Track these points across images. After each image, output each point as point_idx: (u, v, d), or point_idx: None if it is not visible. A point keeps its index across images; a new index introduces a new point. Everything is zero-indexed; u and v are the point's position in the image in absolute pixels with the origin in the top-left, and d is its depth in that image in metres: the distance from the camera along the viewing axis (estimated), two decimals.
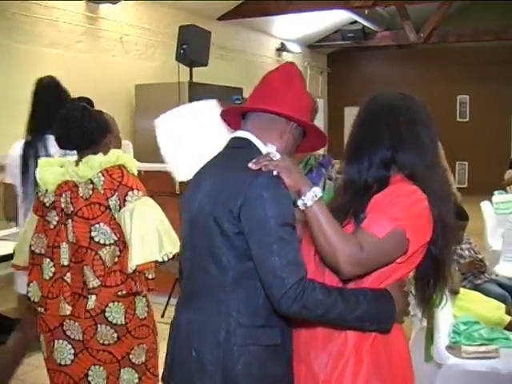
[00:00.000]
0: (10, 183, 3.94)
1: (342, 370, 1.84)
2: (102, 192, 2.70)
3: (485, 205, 6.74)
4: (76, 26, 8.02)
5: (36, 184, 2.94)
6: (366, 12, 12.22)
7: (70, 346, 2.79)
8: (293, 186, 1.81)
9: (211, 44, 7.65)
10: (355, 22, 13.21)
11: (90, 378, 2.80)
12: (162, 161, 6.64)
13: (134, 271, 2.68)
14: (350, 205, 1.93)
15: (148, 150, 7.17)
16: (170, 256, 2.70)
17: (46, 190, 2.85)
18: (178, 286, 5.66)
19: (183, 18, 8.22)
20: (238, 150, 2.00)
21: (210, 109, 2.63)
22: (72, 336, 2.78)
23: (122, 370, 2.83)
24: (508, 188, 7.78)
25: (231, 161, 1.98)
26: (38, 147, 3.81)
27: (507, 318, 4.20)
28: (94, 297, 2.70)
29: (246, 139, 2.00)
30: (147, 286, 2.86)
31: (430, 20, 12.30)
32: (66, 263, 2.74)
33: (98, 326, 2.74)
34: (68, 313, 2.73)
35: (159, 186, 5.25)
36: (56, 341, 2.82)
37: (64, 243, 2.74)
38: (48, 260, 2.80)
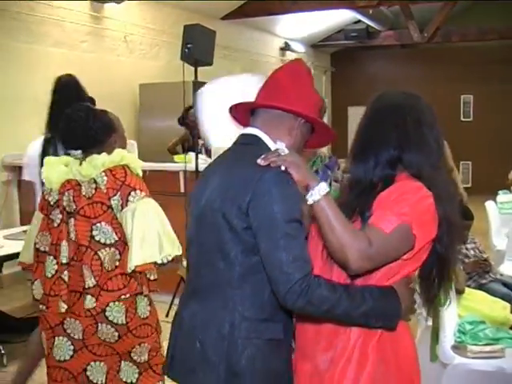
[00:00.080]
0: (30, 181, 3.96)
1: (344, 365, 1.85)
2: (105, 191, 2.71)
3: (489, 204, 6.73)
4: (80, 25, 8.05)
5: None
6: (370, 11, 12.21)
7: (69, 343, 2.80)
8: (301, 181, 1.82)
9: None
10: (359, 21, 13.20)
11: (88, 373, 2.82)
12: (166, 160, 6.66)
13: (134, 271, 2.69)
14: (355, 203, 1.93)
15: (152, 149, 7.22)
16: (170, 258, 2.71)
17: (51, 189, 2.86)
18: (182, 286, 5.67)
19: (187, 18, 8.22)
20: (247, 147, 2.01)
21: (255, 82, 2.60)
22: (72, 334, 2.79)
23: (122, 363, 2.84)
24: None
25: (240, 157, 1.99)
26: (57, 145, 3.81)
27: None
28: (89, 296, 2.71)
29: (255, 136, 2.02)
30: (148, 288, 2.87)
31: (434, 20, 12.29)
32: (64, 261, 2.75)
33: (99, 324, 2.75)
34: (63, 311, 2.74)
35: (164, 185, 5.26)
36: (56, 337, 2.84)
37: (64, 241, 2.76)
38: (51, 258, 2.81)
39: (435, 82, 13.95)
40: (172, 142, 7.66)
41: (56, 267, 2.79)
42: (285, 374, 1.97)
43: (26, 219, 6.69)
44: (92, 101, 3.76)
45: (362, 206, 1.90)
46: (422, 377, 2.03)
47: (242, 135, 2.07)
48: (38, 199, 3.84)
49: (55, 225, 2.83)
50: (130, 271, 2.68)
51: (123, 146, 3.09)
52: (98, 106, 4.23)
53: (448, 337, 3.50)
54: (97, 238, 2.72)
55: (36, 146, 3.87)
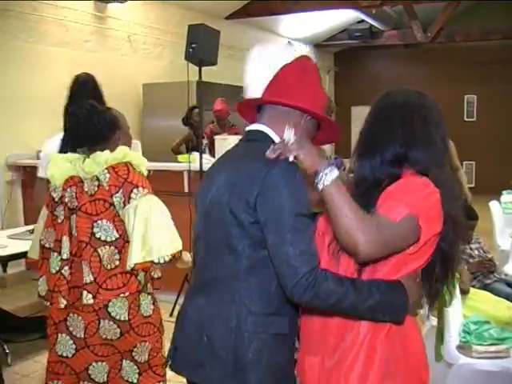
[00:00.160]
0: (44, 178, 4.00)
1: (353, 359, 1.85)
2: (107, 188, 2.72)
3: (493, 204, 6.72)
4: (84, 25, 8.07)
5: None
6: (374, 11, 12.20)
7: (71, 341, 2.82)
8: (310, 167, 1.80)
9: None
10: (362, 21, 13.19)
11: (90, 372, 2.83)
12: (169, 160, 6.67)
13: (133, 269, 2.70)
14: (361, 201, 1.92)
15: (156, 149, 7.22)
16: (167, 259, 2.71)
17: (56, 186, 2.88)
18: (186, 285, 5.67)
19: (191, 17, 8.22)
20: (253, 143, 2.04)
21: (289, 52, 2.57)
22: (74, 333, 2.80)
23: (123, 362, 2.85)
24: None
25: (246, 153, 2.02)
26: None
27: None
28: (85, 292, 2.71)
29: (261, 132, 2.04)
30: (152, 286, 2.88)
31: (438, 19, 12.27)
32: (65, 257, 2.76)
33: (101, 321, 2.76)
34: (62, 306, 2.75)
35: (167, 185, 5.26)
36: (59, 334, 2.85)
37: (65, 237, 2.77)
38: (56, 254, 2.82)
39: (438, 81, 13.92)
40: (176, 142, 7.67)
41: (60, 263, 2.80)
42: (287, 368, 1.99)
43: (30, 219, 6.72)
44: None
45: (368, 201, 1.89)
46: None
47: (249, 131, 2.10)
48: None
49: (59, 221, 2.84)
50: (129, 269, 2.69)
51: (128, 143, 3.09)
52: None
53: (453, 337, 3.50)
54: (97, 235, 2.73)
55: (54, 143, 3.86)
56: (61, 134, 3.83)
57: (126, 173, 2.74)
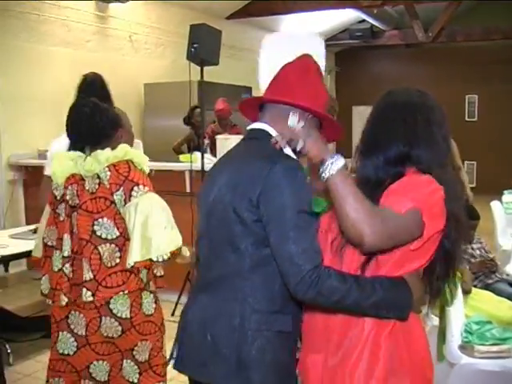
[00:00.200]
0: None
1: (358, 356, 1.85)
2: (108, 186, 2.73)
3: (495, 204, 6.71)
4: (86, 25, 8.07)
5: None
6: (375, 11, 12.19)
7: (72, 339, 2.83)
8: (316, 156, 1.80)
9: None
10: (363, 20, 13.18)
11: (91, 371, 2.84)
12: (171, 160, 6.66)
13: (133, 267, 2.71)
14: None
15: (157, 149, 7.22)
16: (165, 258, 2.71)
17: (58, 184, 2.89)
18: (188, 285, 5.67)
19: (192, 17, 8.22)
20: (255, 141, 2.05)
21: (312, 42, 2.58)
22: (75, 330, 2.81)
23: (124, 361, 2.86)
24: None
25: (248, 152, 2.02)
26: None
27: None
28: (84, 289, 2.72)
29: (263, 130, 2.04)
30: (155, 284, 2.88)
31: (439, 19, 12.26)
32: (66, 254, 2.78)
33: (103, 318, 2.77)
34: (64, 304, 2.77)
35: (169, 185, 5.25)
36: (60, 332, 2.87)
37: (66, 235, 2.78)
38: (58, 252, 2.84)
39: (440, 81, 13.91)
40: (177, 142, 7.67)
41: (62, 261, 2.82)
42: (290, 366, 2.00)
43: (31, 218, 6.72)
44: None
45: (371, 200, 1.89)
46: None
47: (251, 130, 2.10)
48: None
49: (61, 219, 2.85)
50: (129, 267, 2.70)
51: (130, 141, 3.10)
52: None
53: (455, 337, 3.50)
54: (98, 233, 2.74)
55: (61, 143, 3.87)
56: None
57: (126, 171, 2.75)
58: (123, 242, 2.75)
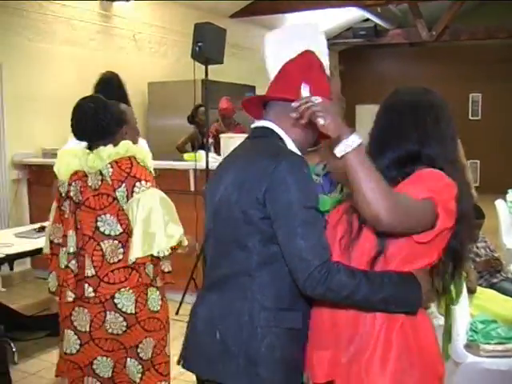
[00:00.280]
0: None
1: (371, 352, 1.84)
2: (110, 183, 2.73)
3: (499, 203, 6.69)
4: (90, 23, 8.08)
5: None
6: (379, 10, 12.18)
7: (76, 337, 2.83)
8: (333, 132, 1.76)
9: None
10: (367, 19, 13.17)
11: (94, 367, 2.83)
12: (175, 159, 6.65)
13: (135, 263, 2.71)
14: None
15: (161, 147, 7.23)
16: (166, 253, 2.72)
17: (63, 181, 2.90)
18: (192, 284, 5.67)
19: (196, 16, 8.21)
20: (260, 139, 2.05)
21: (315, 33, 2.56)
22: (79, 327, 2.82)
23: (128, 360, 2.85)
24: None
25: (253, 150, 2.02)
26: None
27: None
28: (86, 285, 2.73)
29: (268, 128, 2.04)
30: (163, 279, 2.88)
31: (443, 18, 12.25)
32: (71, 251, 2.79)
33: (107, 313, 2.77)
34: (70, 300, 2.78)
35: (173, 183, 5.25)
36: (66, 330, 2.87)
37: (71, 231, 2.79)
38: (64, 249, 2.85)
39: (443, 80, 13.88)
40: (181, 141, 7.67)
41: (67, 257, 2.82)
42: (299, 363, 1.99)
43: (35, 217, 6.73)
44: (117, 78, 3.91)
45: None
46: None
47: (255, 128, 2.10)
48: None
49: (66, 216, 2.86)
50: (130, 263, 2.70)
51: (135, 138, 3.10)
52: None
53: (460, 336, 3.50)
54: (101, 229, 2.75)
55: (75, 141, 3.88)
56: None
57: (129, 167, 2.75)
58: (126, 238, 2.75)
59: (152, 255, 2.70)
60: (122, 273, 2.74)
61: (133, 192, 2.71)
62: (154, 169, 2.97)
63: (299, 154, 1.98)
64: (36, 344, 4.97)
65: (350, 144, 1.73)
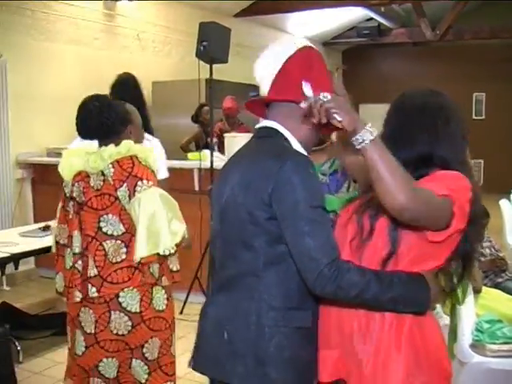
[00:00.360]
0: None
1: (386, 354, 1.84)
2: (112, 183, 2.73)
3: (503, 203, 6.67)
4: (94, 23, 8.09)
5: None
6: (382, 9, 12.18)
7: (82, 338, 2.83)
8: (350, 125, 1.73)
9: None
10: (371, 19, 13.17)
11: (100, 369, 2.83)
12: (179, 158, 6.65)
13: (140, 263, 2.71)
14: None
15: (165, 147, 7.22)
16: (172, 251, 2.72)
17: (67, 181, 2.90)
18: (196, 283, 5.67)
19: (200, 15, 8.22)
20: (265, 140, 2.04)
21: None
22: (85, 328, 2.81)
23: (133, 361, 2.84)
24: None
25: (258, 150, 2.01)
26: None
27: None
28: (89, 285, 2.73)
29: (272, 128, 2.03)
30: (172, 279, 2.87)
31: (446, 17, 12.24)
32: (77, 251, 2.79)
33: (112, 312, 2.76)
34: (78, 300, 2.77)
35: (178, 183, 5.25)
36: (76, 330, 2.87)
37: (76, 231, 2.79)
38: (69, 250, 2.84)
39: (447, 80, 13.84)
40: (185, 140, 7.68)
41: (73, 258, 2.82)
42: (311, 364, 1.98)
43: (39, 216, 6.74)
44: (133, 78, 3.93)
45: None
46: None
47: (260, 128, 2.09)
48: None
49: (70, 216, 2.86)
50: (136, 262, 2.71)
51: (139, 139, 3.09)
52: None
53: (466, 335, 3.49)
54: (104, 230, 2.74)
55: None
56: None
57: (130, 166, 2.74)
58: (129, 237, 2.75)
59: (158, 254, 2.70)
60: (125, 272, 2.74)
61: (135, 191, 2.70)
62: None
63: (305, 153, 1.98)
64: (41, 343, 4.98)
65: (367, 136, 1.71)
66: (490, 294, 4.27)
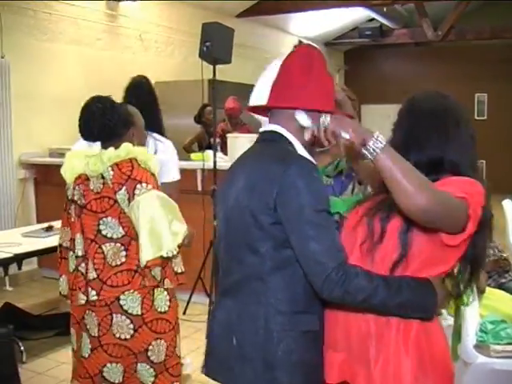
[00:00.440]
0: None
1: (395, 361, 1.84)
2: (111, 186, 2.72)
3: (506, 203, 6.66)
4: (96, 23, 8.10)
5: None
6: (385, 9, 12.18)
7: (88, 341, 2.82)
8: (357, 140, 1.74)
9: None
10: (373, 19, 13.18)
11: (105, 374, 2.82)
12: (181, 158, 6.66)
13: (146, 266, 2.70)
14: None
15: None
16: (175, 252, 2.71)
17: (69, 184, 2.89)
18: (199, 284, 5.67)
19: (202, 16, 8.22)
20: (269, 143, 2.04)
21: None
22: (90, 331, 2.81)
23: (138, 365, 2.83)
24: None
25: (263, 155, 2.01)
26: None
27: None
28: (89, 288, 2.72)
29: (276, 132, 2.03)
30: (177, 281, 2.86)
31: (448, 18, 12.23)
32: (80, 254, 2.78)
33: (114, 316, 2.75)
34: (83, 302, 2.76)
35: (181, 183, 5.25)
36: (82, 333, 2.87)
37: (78, 234, 2.78)
38: (71, 253, 2.84)
39: (449, 80, 13.86)
40: (188, 140, 7.67)
41: (76, 261, 2.81)
42: (318, 366, 1.98)
43: (42, 216, 6.74)
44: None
45: None
46: None
47: (264, 132, 2.09)
48: None
49: (72, 219, 2.85)
50: (142, 266, 2.70)
51: (142, 141, 3.09)
52: None
53: (470, 336, 3.49)
54: (104, 233, 2.74)
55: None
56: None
57: (129, 169, 2.73)
58: (129, 241, 2.74)
59: (162, 256, 2.69)
60: (125, 276, 2.73)
61: (134, 194, 2.69)
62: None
63: (309, 157, 1.98)
64: (44, 343, 4.98)
65: (377, 145, 1.71)
66: (494, 295, 4.26)
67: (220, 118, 7.55)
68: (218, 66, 5.49)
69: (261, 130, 2.11)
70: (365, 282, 1.78)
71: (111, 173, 2.72)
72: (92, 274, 2.72)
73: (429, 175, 1.83)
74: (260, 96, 2.33)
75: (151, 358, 2.84)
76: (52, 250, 4.06)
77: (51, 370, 4.47)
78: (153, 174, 2.79)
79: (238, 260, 1.98)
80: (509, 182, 8.33)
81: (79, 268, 2.78)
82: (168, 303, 2.88)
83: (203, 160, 5.73)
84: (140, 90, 4.01)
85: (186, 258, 2.97)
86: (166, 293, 2.86)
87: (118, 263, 2.73)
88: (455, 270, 1.99)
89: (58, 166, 2.99)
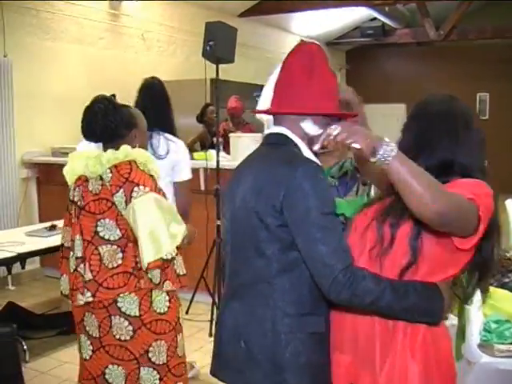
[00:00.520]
0: None
1: (401, 365, 1.84)
2: (109, 188, 2.72)
3: (509, 203, 6.66)
4: (99, 22, 8.10)
5: None
6: (387, 9, 12.17)
7: (89, 342, 2.82)
8: (367, 149, 1.72)
9: None
10: (375, 18, 13.15)
11: (107, 377, 2.81)
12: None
13: (148, 269, 2.69)
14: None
15: None
16: (174, 254, 2.71)
17: (70, 184, 2.90)
18: (202, 283, 5.66)
19: (204, 15, 8.21)
20: (275, 146, 2.03)
21: None
22: (90, 332, 2.81)
23: (141, 369, 2.82)
24: None
25: (270, 157, 2.01)
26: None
27: None
28: (85, 290, 2.72)
29: (283, 134, 2.03)
30: (179, 283, 2.86)
31: (450, 17, 12.21)
32: (79, 255, 2.78)
33: (112, 317, 2.75)
34: (81, 303, 2.76)
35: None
36: (80, 335, 2.87)
37: (77, 235, 2.78)
38: (72, 253, 2.84)
39: (451, 79, 13.85)
40: (190, 140, 7.66)
41: (75, 262, 2.82)
42: (325, 368, 1.98)
43: (44, 216, 6.75)
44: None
45: None
46: None
47: (270, 134, 2.09)
48: None
49: (73, 220, 2.85)
50: (144, 268, 2.69)
51: (144, 143, 3.08)
52: None
53: (474, 335, 3.48)
54: (101, 234, 2.73)
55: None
56: None
57: (127, 172, 2.72)
58: (125, 243, 2.73)
59: (162, 258, 2.69)
60: (121, 278, 2.72)
61: (131, 197, 2.68)
62: None
63: (315, 160, 1.98)
64: (47, 342, 4.99)
65: (388, 152, 1.70)
66: (498, 294, 4.26)
67: (222, 117, 7.55)
68: (221, 66, 5.49)
69: (266, 132, 2.12)
70: (372, 284, 1.78)
71: (110, 175, 2.72)
72: (88, 276, 2.72)
73: (439, 177, 1.82)
74: (266, 100, 2.34)
75: (152, 360, 2.83)
76: (55, 249, 4.06)
77: (54, 370, 4.47)
78: (151, 177, 2.78)
79: (244, 262, 1.99)
80: (511, 181, 8.30)
81: (78, 269, 2.78)
82: (167, 304, 2.87)
83: (206, 159, 5.72)
84: (153, 91, 4.07)
85: (189, 257, 2.97)
86: (164, 294, 2.85)
87: (115, 265, 2.72)
88: (462, 275, 1.99)
89: (61, 166, 2.99)
